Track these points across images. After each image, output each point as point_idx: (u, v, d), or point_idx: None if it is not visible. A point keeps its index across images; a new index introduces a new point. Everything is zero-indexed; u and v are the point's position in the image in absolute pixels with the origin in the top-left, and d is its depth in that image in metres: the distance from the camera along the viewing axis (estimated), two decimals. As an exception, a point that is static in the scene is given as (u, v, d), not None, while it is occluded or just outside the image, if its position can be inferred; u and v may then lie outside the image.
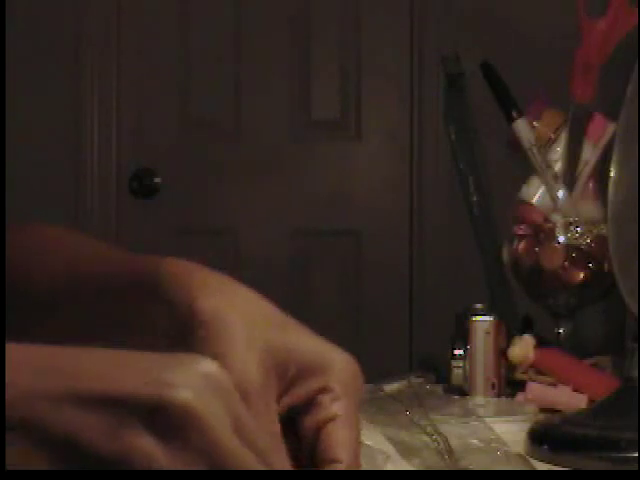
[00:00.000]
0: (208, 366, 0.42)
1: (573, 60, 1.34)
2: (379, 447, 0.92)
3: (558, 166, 1.35)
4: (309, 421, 0.52)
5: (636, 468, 0.91)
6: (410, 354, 2.19)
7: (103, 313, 0.55)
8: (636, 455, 0.93)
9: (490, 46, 1.97)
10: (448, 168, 2.13)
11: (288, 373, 0.53)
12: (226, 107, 2.25)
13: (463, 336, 1.28)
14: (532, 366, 1.27)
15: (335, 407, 0.53)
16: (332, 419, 0.52)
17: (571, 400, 1.19)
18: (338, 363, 0.57)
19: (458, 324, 1.31)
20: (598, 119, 1.34)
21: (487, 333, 1.26)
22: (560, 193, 1.34)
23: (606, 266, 1.29)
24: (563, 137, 1.35)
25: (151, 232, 2.37)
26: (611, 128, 1.31)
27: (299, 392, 0.53)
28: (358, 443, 0.52)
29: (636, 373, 1.00)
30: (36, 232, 0.63)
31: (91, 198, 2.40)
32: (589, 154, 1.34)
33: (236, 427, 0.41)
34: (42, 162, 2.38)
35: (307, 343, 0.57)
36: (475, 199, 2.05)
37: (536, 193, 1.35)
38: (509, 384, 1.27)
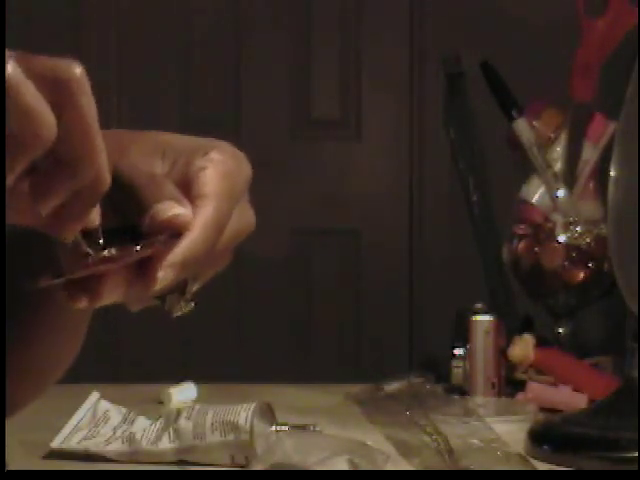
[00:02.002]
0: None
1: (573, 60, 1.35)
2: (379, 447, 0.92)
3: (558, 166, 1.35)
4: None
5: (636, 468, 0.92)
6: (410, 354, 2.19)
7: None
8: (636, 455, 0.94)
9: (490, 46, 1.97)
10: (448, 168, 2.13)
11: (168, 153, 0.57)
12: (226, 107, 2.25)
13: (463, 336, 1.28)
14: (532, 366, 1.27)
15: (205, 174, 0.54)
16: (202, 169, 0.54)
17: (571, 400, 1.19)
18: (219, 145, 0.57)
19: (458, 324, 1.31)
20: (598, 119, 1.34)
21: (487, 333, 1.26)
22: (560, 193, 1.34)
23: (606, 266, 1.29)
24: (563, 137, 1.35)
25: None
26: (611, 128, 1.31)
27: (178, 168, 0.55)
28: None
29: (636, 373, 1.00)
30: None
31: (91, 198, 2.40)
32: (589, 154, 1.34)
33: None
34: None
35: (190, 138, 0.59)
36: (475, 199, 2.05)
37: (536, 193, 1.35)
38: (509, 384, 1.27)
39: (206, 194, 0.54)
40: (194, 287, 0.56)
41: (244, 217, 0.58)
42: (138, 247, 0.51)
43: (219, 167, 0.55)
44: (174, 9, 2.26)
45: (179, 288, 0.55)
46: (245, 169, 0.57)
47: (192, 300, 0.56)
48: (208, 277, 0.57)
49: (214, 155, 0.56)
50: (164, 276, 0.52)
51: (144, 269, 0.52)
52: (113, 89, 2.27)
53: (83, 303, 0.52)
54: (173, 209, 0.52)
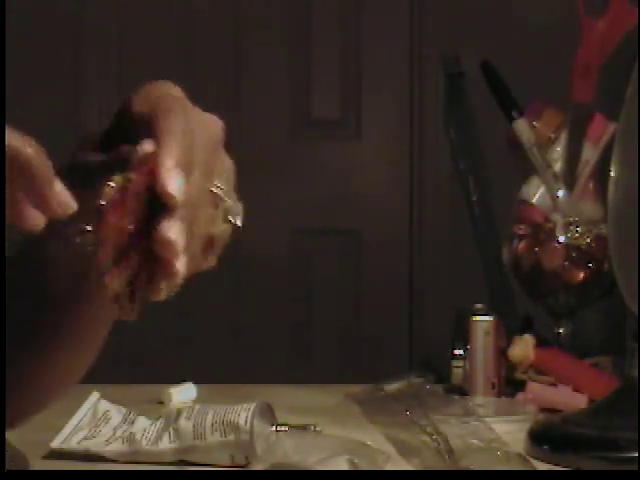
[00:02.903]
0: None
1: (573, 60, 1.35)
2: (379, 447, 0.92)
3: (558, 166, 1.35)
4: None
5: (636, 468, 0.92)
6: (410, 354, 2.19)
7: None
8: (636, 455, 0.94)
9: (490, 46, 1.97)
10: (448, 168, 2.13)
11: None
12: (226, 107, 2.25)
13: (463, 336, 1.28)
14: (532, 366, 1.27)
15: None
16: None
17: (571, 400, 1.19)
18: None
19: (458, 324, 1.31)
20: (598, 119, 1.33)
21: (487, 333, 1.26)
22: (560, 193, 1.34)
23: (606, 266, 1.29)
24: (563, 137, 1.35)
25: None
26: (611, 128, 1.31)
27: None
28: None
29: (636, 373, 1.00)
30: None
31: (91, 198, 2.39)
32: (589, 154, 1.34)
33: None
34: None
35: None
36: (475, 199, 2.05)
37: (536, 193, 1.35)
38: (509, 384, 1.27)
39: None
40: (141, 295, 0.58)
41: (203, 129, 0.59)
42: (112, 183, 0.55)
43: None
44: (174, 9, 2.26)
45: (128, 293, 0.57)
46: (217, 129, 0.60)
47: (139, 309, 0.58)
48: (182, 278, 0.57)
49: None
50: (176, 229, 0.54)
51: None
52: (113, 89, 2.27)
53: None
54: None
